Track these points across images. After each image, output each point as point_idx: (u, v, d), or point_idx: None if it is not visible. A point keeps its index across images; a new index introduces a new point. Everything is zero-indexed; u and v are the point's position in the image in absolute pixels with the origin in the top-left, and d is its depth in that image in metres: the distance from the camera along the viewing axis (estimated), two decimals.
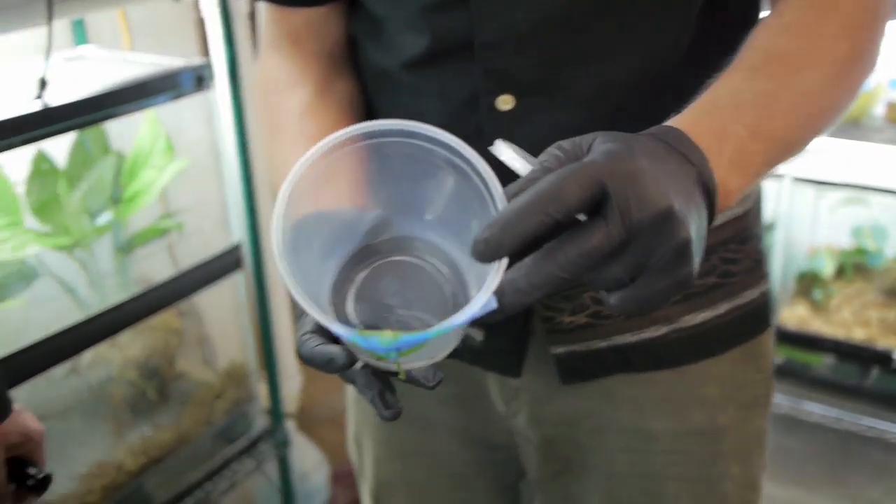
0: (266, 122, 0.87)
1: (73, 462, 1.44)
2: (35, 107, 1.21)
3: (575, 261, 0.52)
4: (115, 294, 1.50)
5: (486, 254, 0.51)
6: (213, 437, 1.61)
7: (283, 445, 1.71)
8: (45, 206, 1.40)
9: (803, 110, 0.67)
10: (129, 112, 1.33)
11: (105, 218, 1.46)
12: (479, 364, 0.91)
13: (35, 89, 1.24)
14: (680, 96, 0.68)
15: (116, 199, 1.51)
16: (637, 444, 0.88)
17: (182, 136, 1.56)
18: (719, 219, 0.80)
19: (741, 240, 0.84)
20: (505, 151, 0.60)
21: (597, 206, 0.52)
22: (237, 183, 1.55)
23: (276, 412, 1.70)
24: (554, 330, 0.84)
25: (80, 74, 1.39)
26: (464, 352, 0.91)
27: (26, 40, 1.40)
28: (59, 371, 1.39)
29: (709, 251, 0.81)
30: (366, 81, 0.89)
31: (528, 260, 0.53)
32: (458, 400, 0.95)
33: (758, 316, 0.87)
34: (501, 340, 0.87)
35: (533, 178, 0.54)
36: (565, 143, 0.57)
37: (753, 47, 0.69)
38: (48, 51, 1.23)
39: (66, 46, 1.55)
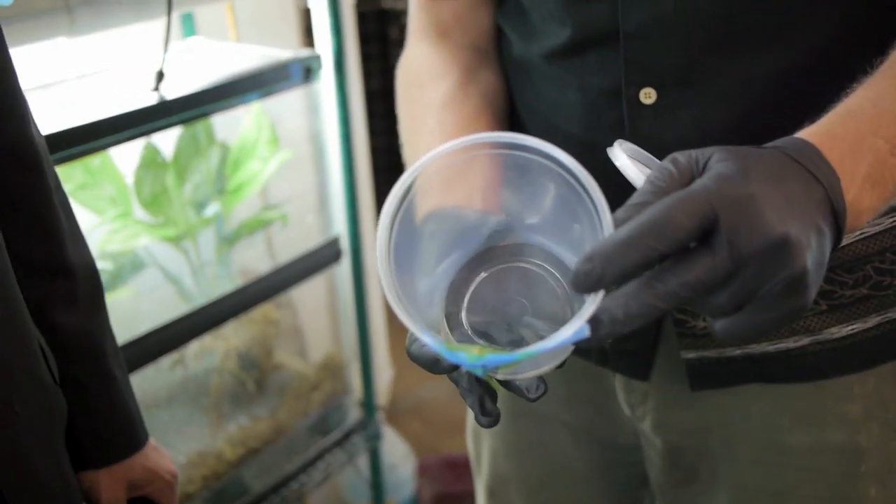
0: (405, 111, 0.87)
1: (174, 451, 1.46)
2: (152, 99, 1.22)
3: (675, 291, 0.50)
4: (217, 284, 1.51)
5: (585, 286, 0.50)
6: (309, 429, 1.62)
7: (374, 438, 1.71)
8: (153, 198, 1.41)
9: None
10: (241, 104, 1.33)
11: (212, 210, 1.46)
12: (606, 365, 0.89)
13: (152, 81, 1.25)
14: (826, 97, 0.64)
15: (221, 191, 1.52)
16: (770, 458, 0.85)
17: (283, 127, 1.56)
18: (873, 228, 0.77)
19: None
20: (620, 157, 0.58)
21: (706, 233, 0.50)
22: (339, 175, 1.54)
23: (369, 405, 1.69)
24: (686, 334, 0.82)
25: (191, 66, 1.39)
26: (592, 351, 0.90)
27: (136, 32, 1.41)
28: (165, 361, 1.40)
29: (861, 261, 0.78)
30: (508, 73, 0.88)
31: (627, 288, 0.51)
32: (583, 399, 0.94)
33: None
34: (631, 342, 0.85)
35: (641, 203, 0.52)
36: (681, 157, 0.54)
37: None
38: (166, 43, 1.24)
39: (175, 38, 1.55)
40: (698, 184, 0.51)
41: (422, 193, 0.60)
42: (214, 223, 1.51)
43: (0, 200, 0.74)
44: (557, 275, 0.61)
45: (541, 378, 0.60)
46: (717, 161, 0.53)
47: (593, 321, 0.50)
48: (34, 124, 0.79)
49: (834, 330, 0.79)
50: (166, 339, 1.29)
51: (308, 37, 1.86)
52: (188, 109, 1.24)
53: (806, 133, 0.58)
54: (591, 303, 0.50)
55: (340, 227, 1.57)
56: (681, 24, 0.71)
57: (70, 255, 0.80)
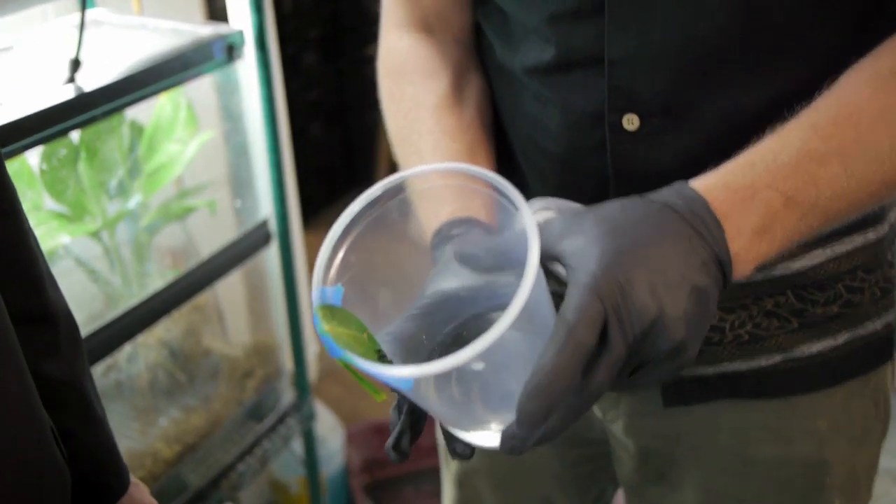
0: (395, 107, 0.85)
1: None
2: (69, 93, 1.12)
3: (589, 397, 0.56)
4: (141, 277, 1.43)
5: (535, 422, 0.54)
6: (243, 416, 1.57)
7: (309, 419, 1.68)
8: (64, 186, 1.31)
9: (861, 178, 0.63)
10: (165, 89, 1.24)
11: (134, 201, 1.37)
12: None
13: (66, 70, 1.14)
14: None
15: (136, 175, 1.42)
16: (737, 468, 0.87)
17: (198, 106, 1.47)
18: (845, 247, 0.78)
19: (869, 268, 0.80)
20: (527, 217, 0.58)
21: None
22: (264, 157, 1.47)
23: (302, 386, 1.65)
24: None
25: (102, 47, 1.29)
26: None
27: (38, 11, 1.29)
28: (98, 368, 1.32)
29: (833, 279, 0.79)
30: (490, 76, 0.86)
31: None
32: None
33: (879, 348, 0.83)
34: None
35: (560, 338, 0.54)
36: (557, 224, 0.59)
37: (829, 96, 0.65)
38: (81, 29, 1.13)
39: (73, 10, 1.43)
40: (584, 280, 0.55)
41: (428, 198, 0.64)
42: (131, 209, 1.42)
43: None
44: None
45: (468, 445, 0.62)
46: (594, 244, 0.57)
47: (507, 435, 0.56)
48: (2, 162, 0.72)
49: (804, 347, 0.80)
50: (98, 345, 1.21)
51: (209, 7, 1.76)
52: (110, 101, 1.14)
53: (701, 183, 0.61)
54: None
55: (266, 209, 1.51)
56: (666, 55, 0.70)
57: (50, 300, 0.75)
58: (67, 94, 1.11)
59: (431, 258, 0.69)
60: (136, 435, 1.43)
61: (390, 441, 0.63)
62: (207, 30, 1.33)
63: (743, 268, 0.60)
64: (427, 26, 0.87)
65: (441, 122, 0.80)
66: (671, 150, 0.74)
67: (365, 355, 0.56)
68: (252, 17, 1.36)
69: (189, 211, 1.46)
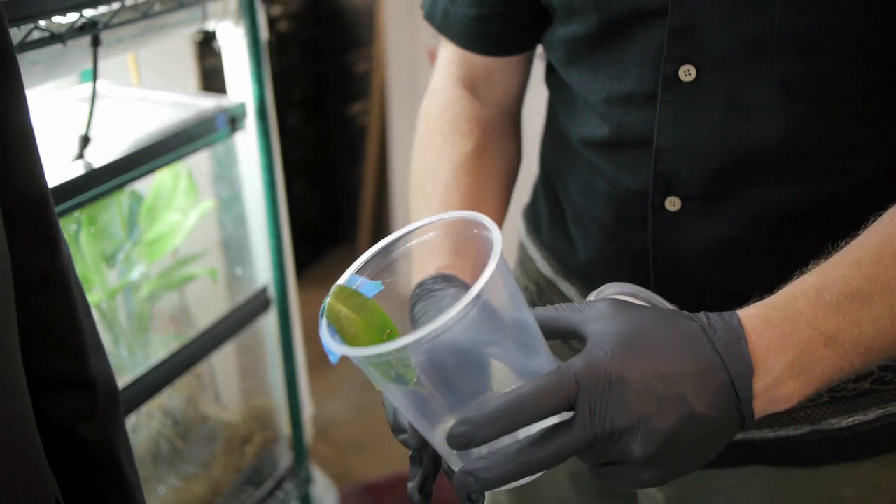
0: (421, 149, 0.88)
1: None
2: (79, 169, 1.13)
3: (541, 461, 0.56)
4: (140, 345, 1.43)
5: (458, 446, 0.55)
6: (243, 482, 1.57)
7: (306, 483, 1.68)
8: None
9: None
10: (171, 162, 1.26)
11: (137, 272, 1.38)
12: None
13: (76, 147, 1.16)
14: (848, 226, 0.67)
15: (136, 243, 1.43)
16: None
17: (197, 175, 1.49)
18: None
19: None
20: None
21: (570, 406, 0.56)
22: (263, 225, 1.49)
23: (299, 450, 1.65)
24: None
25: (103, 118, 1.31)
26: None
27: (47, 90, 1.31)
28: None
29: None
30: (552, 139, 0.90)
31: (501, 452, 0.56)
32: None
33: None
34: None
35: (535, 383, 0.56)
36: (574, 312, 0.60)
37: (874, 231, 0.66)
38: (92, 105, 1.15)
39: (73, 84, 1.45)
40: (573, 363, 0.56)
41: (421, 251, 0.65)
42: (130, 279, 1.43)
43: (25, 321, 0.69)
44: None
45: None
46: (606, 335, 0.57)
47: (465, 477, 0.56)
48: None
49: (834, 421, 0.82)
50: None
51: (204, 75, 1.79)
52: (118, 176, 1.16)
53: (745, 313, 0.60)
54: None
55: (264, 276, 1.52)
56: (710, 149, 0.74)
57: (92, 369, 0.77)
58: (77, 170, 1.13)
59: (410, 309, 0.71)
60: None
61: (415, 484, 0.63)
62: (209, 102, 1.36)
63: (771, 406, 0.59)
64: (472, 85, 0.91)
65: (457, 180, 0.82)
66: (709, 235, 0.77)
67: (356, 341, 0.59)
68: (253, 88, 1.39)
69: (190, 279, 1.47)
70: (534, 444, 0.56)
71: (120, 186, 1.18)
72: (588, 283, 0.90)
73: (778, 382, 0.59)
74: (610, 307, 0.61)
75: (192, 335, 1.37)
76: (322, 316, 0.61)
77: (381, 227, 3.14)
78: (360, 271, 0.64)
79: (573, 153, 0.86)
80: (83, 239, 1.34)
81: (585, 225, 0.87)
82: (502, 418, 0.54)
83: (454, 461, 0.62)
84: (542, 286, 0.97)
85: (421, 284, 0.72)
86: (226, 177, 1.51)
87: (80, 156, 1.16)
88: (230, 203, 1.53)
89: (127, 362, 1.38)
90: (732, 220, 0.76)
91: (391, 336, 0.62)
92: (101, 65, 1.47)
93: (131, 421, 1.38)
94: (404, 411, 0.61)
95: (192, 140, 1.27)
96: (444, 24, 0.90)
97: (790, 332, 0.59)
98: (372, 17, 2.97)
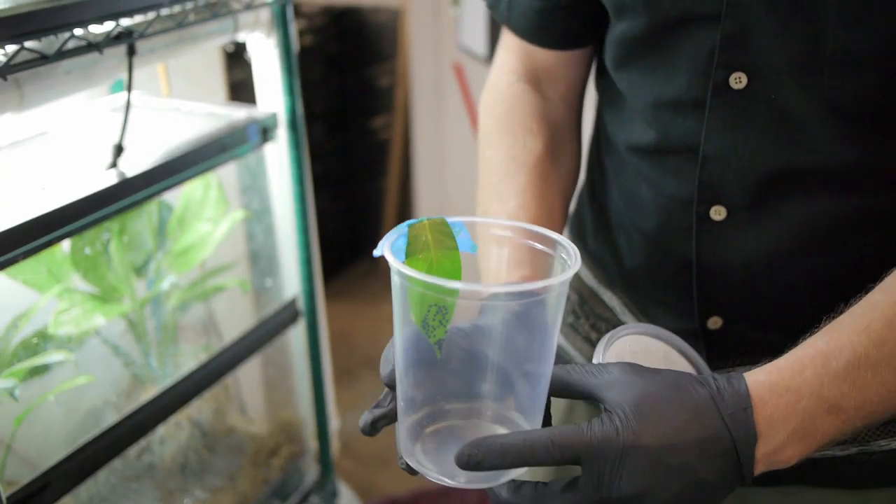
0: (490, 149, 0.88)
1: None
2: (112, 178, 1.13)
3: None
4: (169, 356, 1.43)
5: (463, 465, 0.58)
6: (269, 495, 1.55)
7: (332, 497, 1.66)
8: (91, 264, 1.31)
9: None
10: (202, 172, 1.25)
11: (167, 282, 1.38)
12: None
13: (109, 156, 1.16)
14: (892, 239, 0.68)
15: (166, 254, 1.43)
16: None
17: (227, 186, 1.48)
18: None
19: None
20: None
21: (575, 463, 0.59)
22: (293, 236, 1.48)
23: (325, 463, 1.64)
24: None
25: (135, 128, 1.30)
26: None
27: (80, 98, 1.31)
28: (132, 451, 1.31)
29: None
30: (599, 145, 0.89)
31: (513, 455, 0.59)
32: None
33: None
34: None
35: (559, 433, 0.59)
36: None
37: (887, 290, 0.65)
38: (126, 114, 1.15)
39: (104, 94, 1.45)
40: (592, 425, 0.59)
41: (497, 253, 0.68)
42: (159, 290, 1.42)
43: None
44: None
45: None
46: (622, 403, 0.59)
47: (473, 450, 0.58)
48: None
49: (884, 442, 0.80)
50: (133, 428, 1.21)
51: (234, 91, 1.79)
52: (151, 186, 1.16)
53: (752, 379, 0.61)
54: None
55: (293, 288, 1.51)
56: (757, 158, 0.73)
57: None
58: (110, 179, 1.12)
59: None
60: None
61: (373, 418, 0.65)
62: (241, 113, 1.36)
63: (771, 466, 0.62)
64: (536, 79, 0.90)
65: (532, 185, 0.83)
66: (755, 243, 0.76)
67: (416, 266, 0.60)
68: (285, 99, 1.39)
69: (219, 290, 1.46)
70: (541, 488, 0.60)
71: (152, 196, 1.17)
72: (631, 292, 0.89)
73: (779, 448, 0.60)
74: (623, 373, 0.62)
75: (221, 346, 1.36)
76: (406, 226, 0.62)
77: None
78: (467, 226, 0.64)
79: (619, 160, 0.85)
80: (113, 249, 1.34)
81: (629, 233, 0.86)
82: (512, 455, 0.57)
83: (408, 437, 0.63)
84: (585, 295, 0.95)
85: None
86: (256, 188, 1.51)
87: (114, 165, 1.15)
88: (260, 214, 1.52)
89: (156, 373, 1.38)
90: (778, 230, 0.75)
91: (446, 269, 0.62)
92: (133, 75, 1.48)
93: (159, 432, 1.37)
94: (402, 358, 0.61)
95: (224, 150, 1.27)
96: (507, 15, 0.90)
97: (794, 402, 0.60)
98: (395, 32, 2.97)
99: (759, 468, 0.61)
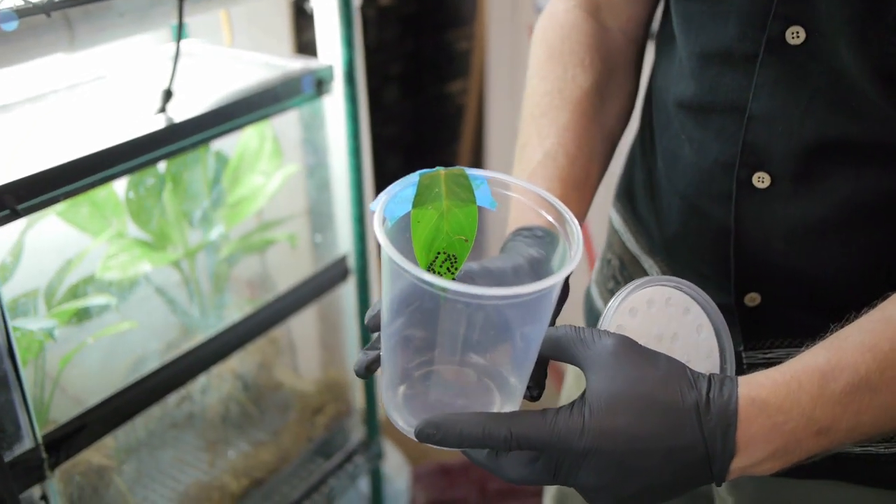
0: (537, 78, 0.86)
1: (175, 484, 1.38)
2: (160, 123, 1.12)
3: (498, 472, 0.60)
4: (218, 307, 1.42)
5: (425, 440, 0.58)
6: (312, 452, 1.55)
7: (377, 458, 1.65)
8: (149, 214, 1.31)
9: None
10: (253, 122, 1.23)
11: (216, 232, 1.37)
12: None
13: (158, 101, 1.15)
14: None
15: (219, 205, 1.42)
16: None
17: (283, 138, 1.47)
18: None
19: None
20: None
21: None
22: (346, 193, 1.46)
23: (372, 424, 1.63)
24: None
25: (193, 77, 1.29)
26: None
27: (134, 42, 1.30)
28: (172, 399, 1.32)
29: None
30: (652, 96, 0.86)
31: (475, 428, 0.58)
32: None
33: None
34: None
35: (521, 417, 0.58)
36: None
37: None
38: (175, 60, 1.14)
39: (165, 41, 1.44)
40: (559, 416, 0.57)
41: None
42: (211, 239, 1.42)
43: None
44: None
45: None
46: (599, 393, 0.57)
47: (429, 427, 0.58)
48: None
49: None
50: (173, 376, 1.21)
51: (300, 39, 1.77)
52: (199, 132, 1.14)
53: (745, 394, 0.57)
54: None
55: (345, 245, 1.49)
56: (809, 122, 0.67)
57: None
58: (158, 124, 1.11)
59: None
60: (206, 466, 1.42)
61: (367, 361, 0.65)
62: (297, 64, 1.33)
63: (742, 475, 0.60)
64: (596, 7, 0.87)
65: (575, 121, 0.81)
66: (798, 216, 0.71)
67: (423, 219, 0.59)
68: (342, 51, 1.36)
69: (269, 243, 1.45)
70: (499, 458, 0.60)
71: (200, 143, 1.16)
72: (671, 261, 0.84)
73: (757, 463, 0.58)
74: (614, 353, 0.58)
75: (265, 301, 1.35)
76: (417, 175, 0.60)
77: None
78: (494, 183, 0.63)
79: (666, 116, 0.80)
80: (166, 196, 1.34)
81: (670, 198, 0.81)
82: (471, 438, 0.57)
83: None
84: (625, 262, 0.91)
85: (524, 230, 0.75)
86: (313, 142, 1.49)
87: (163, 110, 1.14)
88: (316, 169, 1.50)
89: (200, 322, 1.38)
90: (822, 204, 0.70)
91: (459, 241, 0.60)
92: (194, 24, 1.47)
93: (201, 381, 1.37)
94: (392, 302, 0.60)
95: (277, 101, 1.25)
96: None
97: (782, 423, 0.57)
98: None
99: (731, 477, 0.59)
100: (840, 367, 0.58)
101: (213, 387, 1.41)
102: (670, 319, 0.66)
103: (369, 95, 2.73)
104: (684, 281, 0.68)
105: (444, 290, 0.54)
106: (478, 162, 3.07)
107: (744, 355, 0.79)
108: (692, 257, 0.81)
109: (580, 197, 0.81)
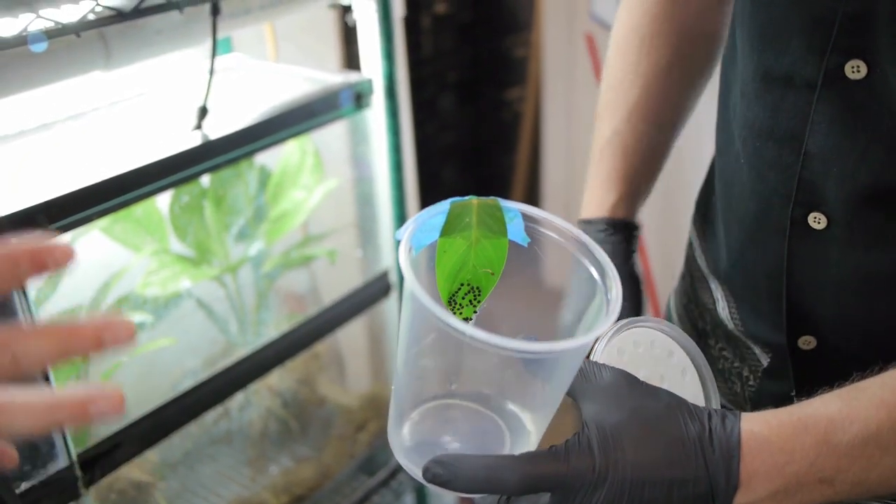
0: (616, 56, 0.89)
1: (216, 499, 1.37)
2: (195, 139, 1.11)
3: None
4: (260, 322, 1.42)
5: (431, 481, 0.55)
6: (355, 469, 1.53)
7: None
8: (187, 226, 1.31)
9: None
10: (289, 137, 1.22)
11: (256, 247, 1.36)
12: None
13: (194, 118, 1.15)
14: None
15: (261, 219, 1.42)
16: None
17: (329, 152, 1.46)
18: None
19: None
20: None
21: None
22: (388, 207, 1.44)
23: None
24: None
25: (232, 92, 1.29)
26: None
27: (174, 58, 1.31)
28: (210, 416, 1.31)
29: None
30: (720, 103, 0.83)
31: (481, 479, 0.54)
32: None
33: None
34: None
35: (537, 457, 0.55)
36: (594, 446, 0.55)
37: None
38: (210, 77, 1.13)
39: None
40: (567, 454, 0.54)
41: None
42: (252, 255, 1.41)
43: None
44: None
45: None
46: (603, 425, 0.55)
47: (436, 467, 0.55)
48: None
49: None
50: (211, 393, 1.20)
51: (349, 53, 1.76)
52: (235, 148, 1.14)
53: (748, 428, 0.56)
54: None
55: (388, 260, 1.47)
56: (868, 164, 0.63)
57: None
58: (192, 141, 1.11)
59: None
60: (247, 482, 1.42)
61: None
62: (338, 78, 1.32)
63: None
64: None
65: (645, 98, 0.84)
66: (851, 263, 0.67)
67: (450, 250, 0.56)
68: (382, 64, 1.34)
69: (309, 259, 1.44)
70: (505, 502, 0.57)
71: (237, 159, 1.15)
72: (731, 287, 0.80)
73: (757, 502, 0.56)
74: (615, 386, 0.57)
75: (305, 317, 1.34)
76: (448, 203, 0.57)
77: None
78: (528, 219, 0.60)
79: (727, 136, 0.77)
80: (208, 212, 1.34)
81: (728, 222, 0.78)
82: (479, 482, 0.54)
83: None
84: (696, 279, 0.88)
85: (589, 222, 0.82)
86: (358, 156, 1.47)
87: (199, 126, 1.14)
88: (361, 183, 1.49)
89: (241, 338, 1.37)
90: (877, 253, 0.65)
91: (485, 275, 0.58)
92: (239, 39, 1.47)
93: (240, 398, 1.36)
94: (409, 341, 0.57)
95: (315, 115, 1.24)
96: None
97: (784, 464, 0.55)
98: (532, 1, 2.88)
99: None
100: (850, 419, 0.55)
101: (255, 403, 1.41)
102: (656, 362, 0.65)
103: (426, 103, 2.71)
104: (666, 322, 0.66)
105: (463, 334, 0.52)
106: (535, 170, 3.03)
107: (795, 399, 0.75)
108: (747, 291, 0.77)
109: (646, 171, 0.87)
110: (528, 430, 0.60)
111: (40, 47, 0.92)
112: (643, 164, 0.87)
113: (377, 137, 1.41)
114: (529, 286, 0.66)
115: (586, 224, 0.86)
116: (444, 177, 2.99)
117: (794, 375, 0.74)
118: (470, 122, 3.06)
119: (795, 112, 0.66)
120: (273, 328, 1.40)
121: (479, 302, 0.59)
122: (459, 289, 0.58)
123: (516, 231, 0.59)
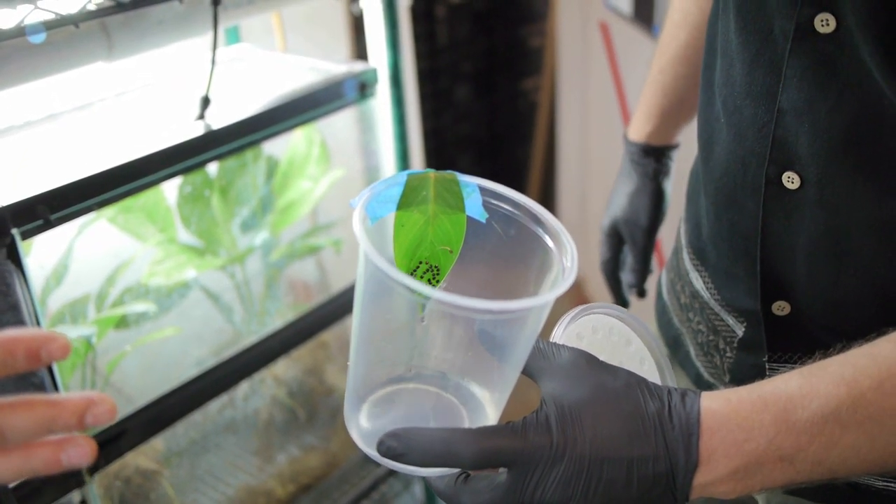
0: (664, 30, 1.03)
1: (224, 486, 1.38)
2: (198, 129, 1.12)
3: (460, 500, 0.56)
4: (266, 310, 1.42)
5: (385, 455, 0.54)
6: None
7: None
8: (198, 219, 1.32)
9: (886, 448, 0.54)
10: (293, 126, 1.22)
11: (261, 237, 1.37)
12: None
13: (197, 108, 1.15)
14: None
15: (268, 209, 1.42)
16: None
17: (329, 140, 1.45)
18: None
19: None
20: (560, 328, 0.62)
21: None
22: None
23: None
24: None
25: (238, 82, 1.29)
26: None
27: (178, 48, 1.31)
28: (214, 405, 1.32)
29: None
30: (704, 71, 0.84)
31: (438, 446, 0.54)
32: None
33: None
34: None
35: (496, 431, 0.55)
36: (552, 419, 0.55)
37: (893, 343, 0.55)
38: (212, 68, 1.14)
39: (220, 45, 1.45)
40: (525, 429, 0.54)
41: None
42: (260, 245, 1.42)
43: None
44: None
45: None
46: (562, 403, 0.55)
47: (391, 440, 0.54)
48: None
49: None
50: (216, 382, 1.21)
51: (358, 43, 1.76)
52: (237, 138, 1.14)
53: (707, 405, 0.55)
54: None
55: None
56: (834, 118, 0.62)
57: None
58: (196, 130, 1.11)
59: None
60: (254, 471, 1.42)
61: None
62: (342, 68, 1.32)
63: (707, 495, 0.57)
64: None
65: (692, 38, 0.97)
66: (821, 223, 0.67)
67: (408, 222, 0.56)
68: (388, 54, 1.34)
69: (315, 249, 1.44)
70: (461, 482, 0.57)
71: (240, 149, 1.15)
72: (706, 253, 0.80)
73: (717, 481, 0.55)
74: (574, 364, 0.56)
75: (311, 306, 1.34)
76: (405, 174, 0.56)
77: (546, 206, 3.05)
78: (484, 193, 0.59)
79: (709, 94, 0.77)
80: (215, 201, 1.34)
81: (707, 185, 0.78)
82: (434, 455, 0.54)
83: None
84: (678, 248, 0.89)
85: (630, 143, 1.06)
86: (366, 145, 1.47)
87: (201, 116, 1.14)
88: (367, 173, 1.49)
89: (248, 327, 1.38)
90: (847, 211, 0.65)
91: (444, 252, 0.58)
92: (247, 29, 1.47)
93: (243, 388, 1.37)
94: (363, 312, 0.56)
95: (319, 105, 1.24)
96: None
97: (742, 441, 0.54)
98: None
99: (694, 495, 0.56)
100: (810, 396, 0.54)
101: (260, 392, 1.41)
102: (615, 349, 0.64)
103: (442, 93, 2.71)
104: (625, 310, 0.66)
105: (427, 297, 0.51)
106: (551, 159, 3.02)
107: (767, 366, 0.75)
108: (725, 255, 0.77)
109: (682, 108, 1.03)
110: (486, 410, 0.59)
111: (39, 38, 0.93)
112: (679, 102, 1.03)
113: (383, 127, 1.41)
114: (488, 262, 0.66)
115: (629, 143, 1.07)
116: (460, 167, 2.98)
117: (768, 344, 0.74)
118: (485, 113, 3.05)
119: (771, 68, 0.66)
120: (279, 318, 1.40)
121: (437, 282, 0.58)
122: (418, 266, 0.58)
123: (474, 206, 0.58)
